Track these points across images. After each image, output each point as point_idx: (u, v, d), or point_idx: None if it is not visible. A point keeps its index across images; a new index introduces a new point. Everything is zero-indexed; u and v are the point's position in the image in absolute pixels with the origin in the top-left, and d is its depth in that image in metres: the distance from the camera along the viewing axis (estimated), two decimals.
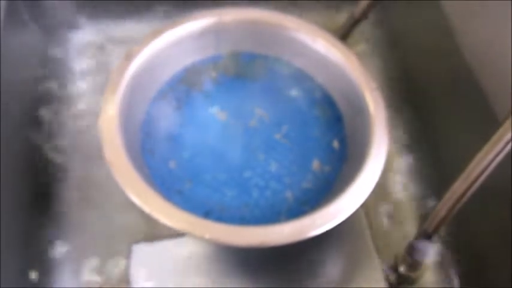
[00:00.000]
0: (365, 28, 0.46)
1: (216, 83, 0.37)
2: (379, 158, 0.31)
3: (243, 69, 0.38)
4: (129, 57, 0.34)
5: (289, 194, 0.33)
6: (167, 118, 0.35)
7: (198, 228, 0.28)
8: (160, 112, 0.35)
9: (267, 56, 0.38)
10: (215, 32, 0.36)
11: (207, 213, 0.31)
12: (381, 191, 0.39)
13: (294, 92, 0.37)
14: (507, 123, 0.25)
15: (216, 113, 0.36)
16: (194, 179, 0.33)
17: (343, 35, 0.39)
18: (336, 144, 0.35)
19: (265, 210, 0.32)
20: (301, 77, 0.37)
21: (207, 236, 0.27)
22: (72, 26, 0.46)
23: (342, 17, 0.40)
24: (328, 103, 0.36)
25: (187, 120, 0.35)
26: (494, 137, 0.25)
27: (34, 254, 0.35)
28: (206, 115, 0.36)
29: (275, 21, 0.36)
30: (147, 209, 0.28)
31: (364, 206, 0.36)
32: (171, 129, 0.35)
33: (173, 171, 0.33)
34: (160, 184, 0.32)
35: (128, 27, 0.47)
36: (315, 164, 0.34)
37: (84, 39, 0.47)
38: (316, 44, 0.36)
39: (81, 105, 0.43)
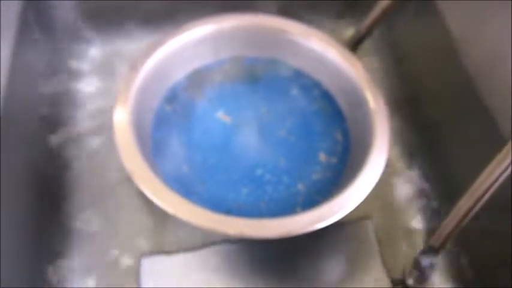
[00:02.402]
0: (370, 44, 0.46)
1: (218, 88, 0.38)
2: (383, 145, 0.33)
3: (243, 73, 0.39)
4: (134, 68, 0.35)
5: (301, 186, 0.34)
6: (175, 124, 0.36)
7: (222, 225, 0.29)
8: (168, 119, 0.36)
9: (265, 59, 0.39)
10: (214, 39, 0.38)
11: (227, 212, 0.32)
12: (386, 204, 0.40)
13: (294, 91, 0.39)
14: None
15: (221, 116, 0.37)
16: (209, 180, 0.34)
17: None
18: (339, 136, 0.37)
19: (281, 203, 0.33)
20: (299, 76, 0.39)
21: (232, 231, 0.29)
22: (83, 41, 0.47)
23: (347, 33, 0.40)
24: (327, 98, 0.38)
25: (194, 125, 0.37)
26: (500, 155, 0.25)
27: (40, 267, 0.35)
28: (212, 119, 0.37)
29: (270, 24, 0.38)
30: (171, 210, 0.29)
31: (371, 217, 0.38)
32: (180, 135, 0.36)
33: (188, 174, 0.34)
34: (177, 188, 0.33)
35: (137, 43, 0.47)
36: (322, 156, 0.36)
37: (94, 55, 0.47)
38: (311, 43, 0.38)
39: (90, 118, 0.43)
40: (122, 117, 0.32)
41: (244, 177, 0.34)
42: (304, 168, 0.35)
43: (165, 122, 0.36)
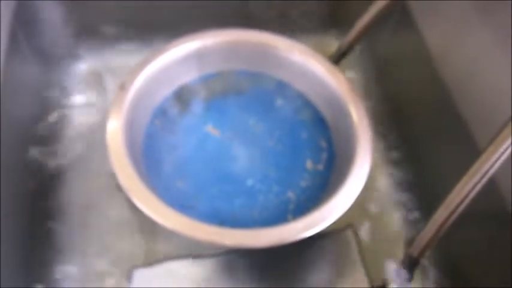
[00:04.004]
0: (352, 58, 0.48)
1: (205, 102, 0.40)
2: (367, 151, 0.34)
3: (228, 86, 0.40)
4: (123, 88, 0.35)
5: (291, 194, 0.36)
6: (165, 140, 0.37)
7: (219, 236, 0.30)
8: (158, 135, 0.37)
9: (250, 72, 0.41)
10: (199, 54, 0.39)
11: (221, 223, 0.33)
12: (368, 213, 0.41)
13: (279, 102, 0.40)
14: (485, 155, 0.26)
15: (210, 130, 0.38)
16: (202, 193, 0.35)
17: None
18: (323, 143, 0.38)
19: (273, 211, 0.35)
20: (283, 87, 0.40)
21: (229, 242, 0.30)
22: (71, 56, 0.48)
23: (331, 48, 0.42)
24: (310, 108, 0.40)
25: (184, 140, 0.38)
26: (474, 166, 0.26)
27: (33, 280, 0.36)
28: (201, 133, 0.38)
29: (254, 39, 0.39)
30: (169, 225, 0.30)
31: (353, 226, 0.39)
32: (171, 151, 0.37)
33: (181, 189, 0.35)
34: (172, 203, 0.33)
35: (126, 58, 0.48)
36: (309, 164, 0.37)
37: (83, 70, 0.48)
38: (294, 56, 0.39)
39: (80, 133, 0.44)
40: (115, 137, 0.33)
41: (236, 189, 0.35)
42: (293, 176, 0.37)
43: (156, 138, 0.37)
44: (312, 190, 0.36)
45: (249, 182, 0.36)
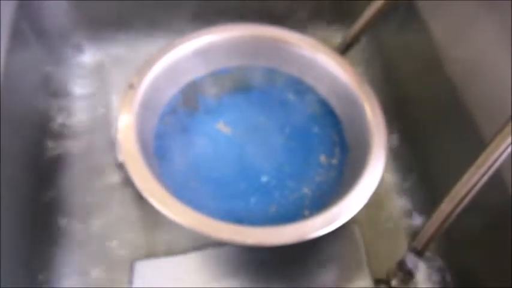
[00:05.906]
0: (358, 52, 0.48)
1: (214, 99, 0.39)
2: (381, 144, 0.34)
3: (237, 82, 0.40)
4: (132, 87, 0.35)
5: (306, 190, 0.35)
6: (176, 139, 0.37)
7: (240, 235, 0.29)
8: (169, 135, 0.37)
9: (259, 67, 0.40)
10: (207, 51, 0.38)
11: (238, 221, 0.32)
12: (372, 207, 0.40)
13: (288, 96, 0.40)
14: (490, 148, 0.26)
15: (221, 127, 0.38)
16: (217, 193, 0.34)
17: None
18: (336, 137, 0.38)
19: (289, 207, 0.34)
20: (292, 82, 0.40)
21: (249, 241, 0.29)
22: (75, 47, 0.47)
23: (336, 40, 0.41)
24: (321, 102, 0.39)
25: (195, 139, 0.37)
26: (479, 160, 0.27)
27: (34, 274, 0.35)
28: (212, 131, 0.38)
29: (261, 33, 0.39)
30: (187, 224, 0.29)
31: (358, 221, 0.39)
32: (182, 150, 0.36)
33: (196, 189, 0.34)
34: (187, 202, 0.33)
35: (130, 49, 0.48)
36: (322, 158, 0.37)
37: (86, 60, 0.48)
38: (303, 50, 0.39)
39: (83, 125, 0.44)
40: (127, 138, 0.32)
41: (250, 186, 0.35)
42: (307, 171, 0.36)
43: (167, 137, 0.36)
44: (327, 185, 0.36)
45: (264, 179, 0.35)
